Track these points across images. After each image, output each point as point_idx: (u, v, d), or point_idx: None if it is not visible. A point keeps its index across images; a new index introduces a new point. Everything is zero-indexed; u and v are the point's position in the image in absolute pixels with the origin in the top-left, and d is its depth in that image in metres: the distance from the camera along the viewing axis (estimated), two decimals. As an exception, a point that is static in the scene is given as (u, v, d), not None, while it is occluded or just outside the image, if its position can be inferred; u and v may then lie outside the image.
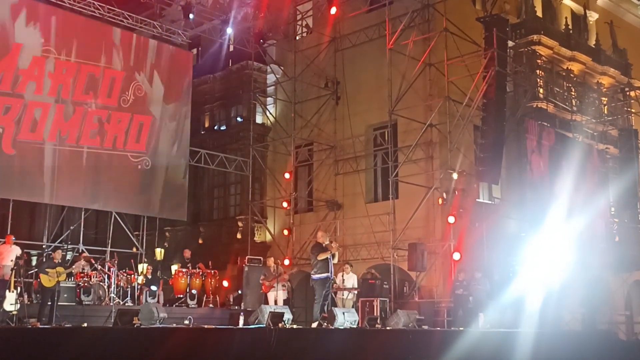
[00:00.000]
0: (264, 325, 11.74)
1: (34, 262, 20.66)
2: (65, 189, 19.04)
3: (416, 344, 13.26)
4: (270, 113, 25.53)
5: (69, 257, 21.01)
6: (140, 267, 19.42)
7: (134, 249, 21.46)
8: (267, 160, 25.41)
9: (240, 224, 25.02)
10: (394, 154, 20.52)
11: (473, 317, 16.59)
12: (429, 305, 18.37)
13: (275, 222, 24.88)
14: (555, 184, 21.80)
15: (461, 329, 15.52)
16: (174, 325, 12.65)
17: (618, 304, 24.51)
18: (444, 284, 19.14)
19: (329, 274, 13.81)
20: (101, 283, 16.46)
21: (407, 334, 13.68)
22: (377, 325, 14.50)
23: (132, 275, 17.41)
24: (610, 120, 26.45)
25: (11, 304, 12.78)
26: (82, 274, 16.31)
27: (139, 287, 17.39)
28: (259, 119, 25.83)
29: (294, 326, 13.14)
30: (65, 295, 15.15)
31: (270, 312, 12.07)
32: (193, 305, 17.55)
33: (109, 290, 16.33)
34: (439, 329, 16.58)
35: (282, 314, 12.15)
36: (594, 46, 26.23)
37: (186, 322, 13.00)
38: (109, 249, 20.00)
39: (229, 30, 23.45)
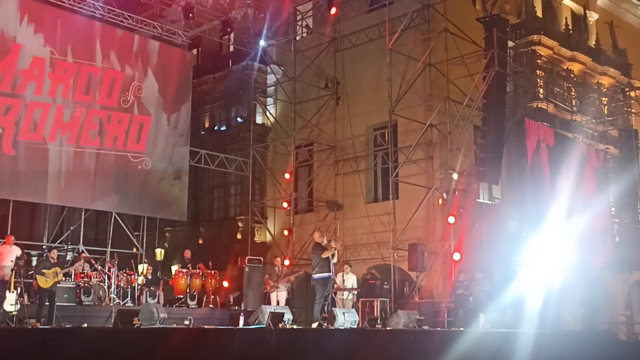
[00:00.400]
0: (264, 326, 11.74)
1: (34, 263, 20.62)
2: (66, 190, 19.04)
3: (416, 344, 13.27)
4: (271, 113, 25.53)
5: (69, 257, 21.05)
6: (140, 267, 19.43)
7: (134, 250, 21.47)
8: (267, 161, 25.41)
9: (240, 224, 25.02)
10: (394, 154, 20.51)
11: (473, 318, 16.60)
12: (429, 306, 18.37)
13: (276, 223, 24.88)
14: (555, 184, 21.79)
15: (461, 329, 15.52)
16: (174, 325, 12.66)
17: (618, 304, 24.50)
18: (444, 285, 19.14)
19: (330, 274, 13.81)
20: (101, 283, 16.45)
21: (408, 334, 13.68)
22: (377, 326, 14.50)
23: (132, 276, 17.41)
24: (610, 120, 26.45)
25: (11, 305, 12.78)
26: (82, 275, 16.32)
27: (139, 287, 17.38)
28: (259, 119, 25.83)
29: (294, 326, 13.14)
30: (66, 296, 15.16)
31: (270, 312, 12.07)
32: (193, 306, 17.54)
33: (109, 291, 16.32)
34: (439, 329, 16.59)
35: (282, 314, 12.15)
36: (594, 46, 26.24)
37: (186, 322, 13.01)
38: (109, 249, 20.02)
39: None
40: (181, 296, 17.76)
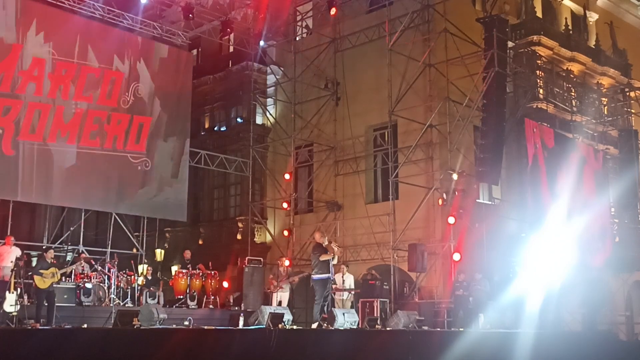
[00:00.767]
0: (264, 326, 11.74)
1: (34, 263, 20.62)
2: (65, 190, 19.03)
3: (416, 344, 13.26)
4: (270, 114, 25.54)
5: (69, 258, 21.05)
6: (140, 268, 19.42)
7: (134, 250, 21.46)
8: (267, 161, 25.42)
9: (240, 224, 25.02)
10: (394, 154, 20.52)
11: (473, 318, 16.60)
12: (429, 306, 18.37)
13: (275, 223, 24.88)
14: (555, 184, 21.79)
15: (461, 329, 15.52)
16: (174, 326, 12.66)
17: (618, 304, 24.51)
18: (444, 285, 19.14)
19: (330, 275, 13.80)
20: (101, 284, 16.45)
21: (407, 335, 13.67)
22: (377, 326, 14.50)
23: (132, 276, 17.40)
24: (610, 120, 26.45)
25: (11, 305, 12.77)
26: (82, 275, 16.32)
27: (139, 288, 17.38)
28: (259, 120, 25.84)
29: (294, 327, 13.14)
30: (65, 296, 15.15)
31: (270, 313, 12.07)
32: (193, 306, 17.54)
33: (109, 291, 16.32)
34: (439, 329, 16.59)
35: (282, 315, 12.16)
36: (593, 47, 26.24)
37: (186, 323, 13.01)
38: (109, 249, 20.02)
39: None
40: (181, 297, 17.76)
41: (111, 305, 15.63)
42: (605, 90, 26.64)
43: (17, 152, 18.05)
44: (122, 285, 16.94)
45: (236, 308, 18.39)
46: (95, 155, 19.56)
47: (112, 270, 16.70)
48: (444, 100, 19.83)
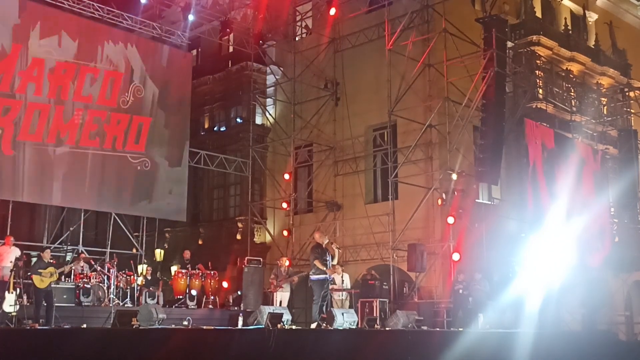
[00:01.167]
0: (263, 326, 11.74)
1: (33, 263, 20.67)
2: (65, 190, 19.04)
3: (415, 344, 13.27)
4: (270, 114, 25.54)
5: (68, 258, 21.05)
6: (139, 268, 19.43)
7: (134, 250, 21.45)
8: (267, 161, 25.42)
9: (240, 224, 25.03)
10: (393, 154, 20.52)
11: (472, 318, 16.59)
12: (429, 306, 18.35)
13: (275, 223, 24.88)
14: (554, 184, 21.78)
15: (460, 329, 15.51)
16: (173, 326, 12.66)
17: (618, 304, 24.49)
18: (443, 285, 19.14)
19: (327, 275, 13.80)
20: (101, 284, 16.46)
21: (407, 335, 13.68)
22: (376, 326, 14.50)
23: (132, 276, 17.40)
24: (609, 120, 26.44)
25: (10, 305, 12.78)
26: (81, 275, 16.32)
27: (139, 288, 17.38)
28: (258, 120, 25.84)
29: (293, 327, 13.14)
30: (65, 296, 15.16)
31: (269, 312, 12.07)
32: (192, 306, 17.54)
33: (108, 292, 16.33)
34: (438, 329, 16.59)
35: (280, 315, 12.16)
36: (593, 47, 26.23)
37: (185, 323, 13.01)
38: (108, 250, 20.02)
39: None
40: (180, 297, 17.76)
41: (110, 305, 15.63)
42: (604, 90, 26.63)
43: (17, 153, 18.06)
44: (121, 285, 16.94)
45: (235, 308, 18.39)
46: (94, 156, 19.57)
47: (111, 270, 16.71)
48: (443, 100, 19.82)
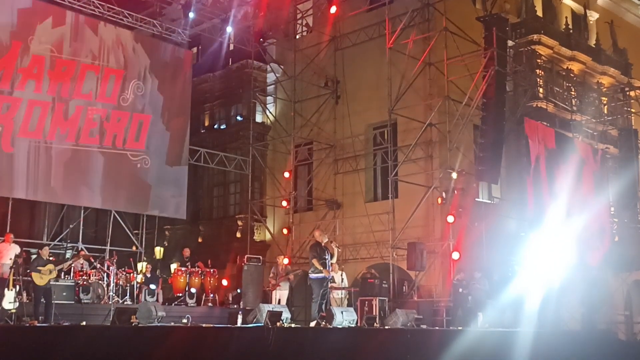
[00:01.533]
0: (262, 324, 11.73)
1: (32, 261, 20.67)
2: (65, 188, 19.05)
3: (415, 343, 13.25)
4: (270, 112, 25.52)
5: (68, 255, 21.06)
6: (139, 265, 19.45)
7: (134, 248, 21.47)
8: (267, 159, 25.41)
9: (239, 222, 25.03)
10: (393, 153, 20.51)
11: (472, 317, 16.59)
12: (428, 305, 18.35)
13: (275, 221, 24.88)
14: (554, 183, 21.78)
15: (460, 328, 15.51)
16: (172, 324, 12.65)
17: (617, 303, 24.49)
18: (443, 284, 19.14)
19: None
20: (100, 282, 16.46)
21: (406, 334, 13.66)
22: (375, 325, 14.49)
23: (132, 274, 17.41)
24: (610, 120, 26.41)
25: (10, 302, 12.80)
26: (81, 273, 16.32)
27: (138, 285, 17.39)
28: (258, 118, 25.83)
29: (292, 325, 13.13)
30: (64, 294, 15.17)
31: (268, 311, 12.06)
32: (192, 304, 17.55)
33: (107, 289, 16.33)
34: (437, 328, 16.56)
35: (280, 313, 12.15)
36: (594, 46, 26.20)
37: (184, 320, 13.00)
38: (108, 247, 20.05)
39: (229, 29, 23.46)
40: (180, 294, 17.77)
41: (110, 302, 15.64)
42: (605, 89, 26.60)
43: (17, 150, 18.06)
44: (121, 282, 16.95)
45: (235, 306, 18.40)
46: (94, 153, 19.57)
47: (111, 267, 16.72)
48: (443, 99, 19.80)
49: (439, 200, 19.78)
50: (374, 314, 16.08)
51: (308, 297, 17.35)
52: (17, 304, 12.94)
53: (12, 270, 13.18)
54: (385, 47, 20.31)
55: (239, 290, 19.37)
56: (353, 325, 13.72)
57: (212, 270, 18.51)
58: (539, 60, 23.62)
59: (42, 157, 18.52)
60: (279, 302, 16.44)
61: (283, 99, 24.76)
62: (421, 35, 20.74)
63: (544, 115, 23.06)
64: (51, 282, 13.86)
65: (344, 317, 13.53)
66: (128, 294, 17.04)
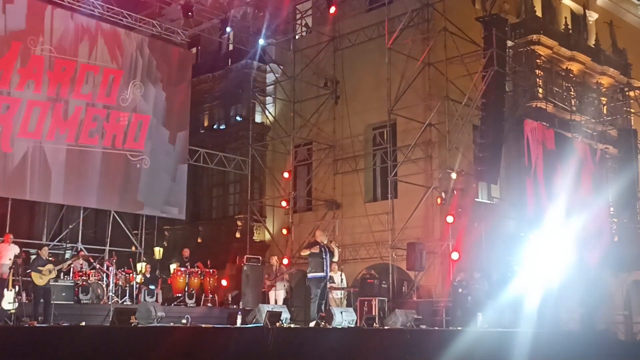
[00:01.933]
0: (262, 325, 11.73)
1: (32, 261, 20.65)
2: (64, 188, 19.02)
3: (414, 343, 13.26)
4: (270, 112, 25.53)
5: (67, 255, 21.05)
6: (138, 266, 19.43)
7: (133, 248, 21.45)
8: (266, 160, 25.41)
9: (239, 223, 25.03)
10: (393, 153, 20.52)
11: (471, 317, 16.60)
12: (428, 305, 18.36)
13: (274, 221, 24.88)
14: (554, 184, 21.79)
15: (459, 328, 15.51)
16: (171, 324, 12.65)
17: (617, 303, 24.50)
18: (442, 284, 19.14)
19: (324, 274, 13.74)
20: (99, 282, 16.45)
21: (405, 334, 13.67)
22: (375, 325, 14.50)
23: (131, 274, 17.39)
24: (609, 120, 26.43)
25: (9, 303, 12.79)
26: (80, 273, 16.32)
27: (138, 286, 17.38)
28: (258, 118, 25.84)
29: (292, 325, 13.13)
30: (64, 294, 15.16)
31: (267, 311, 12.07)
32: (191, 304, 17.54)
33: (107, 289, 16.32)
34: (437, 328, 16.56)
35: (279, 313, 12.15)
36: (593, 46, 26.22)
37: (183, 321, 13.00)
38: (107, 247, 20.03)
39: (229, 29, 23.45)
40: (179, 295, 17.76)
41: (109, 303, 15.63)
42: (604, 89, 26.62)
43: (16, 150, 18.05)
44: (120, 283, 16.94)
45: (234, 306, 18.39)
46: (94, 153, 19.55)
47: (110, 268, 16.70)
48: (443, 99, 19.82)
49: (439, 201, 19.79)
50: (374, 314, 16.10)
51: (307, 297, 17.34)
52: (17, 304, 12.93)
53: (12, 270, 13.17)
54: (385, 48, 20.32)
55: (238, 291, 19.37)
56: (352, 326, 13.72)
57: (211, 270, 18.49)
58: (538, 61, 23.64)
59: (42, 158, 18.50)
60: (275, 303, 16.43)
61: (282, 99, 24.76)
62: (420, 36, 20.77)
63: (543, 116, 23.07)
64: (50, 283, 13.85)
65: (344, 318, 13.54)
66: (127, 295, 17.02)
